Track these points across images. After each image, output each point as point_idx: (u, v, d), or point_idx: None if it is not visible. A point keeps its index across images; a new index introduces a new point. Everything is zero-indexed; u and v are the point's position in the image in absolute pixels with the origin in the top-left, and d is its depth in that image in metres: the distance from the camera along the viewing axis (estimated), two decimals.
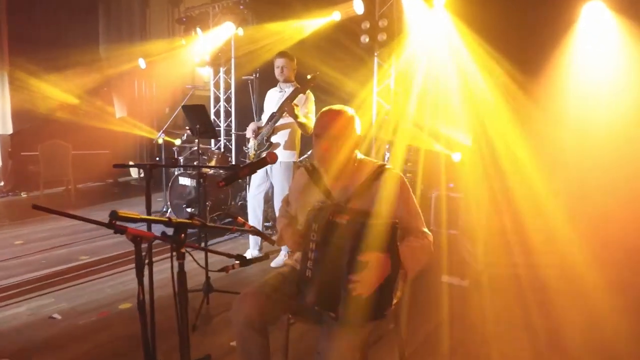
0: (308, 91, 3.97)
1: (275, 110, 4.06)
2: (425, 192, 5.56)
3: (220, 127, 7.86)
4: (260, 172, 4.26)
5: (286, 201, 2.33)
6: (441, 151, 5.80)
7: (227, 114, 7.89)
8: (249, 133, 4.25)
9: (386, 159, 6.50)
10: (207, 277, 3.32)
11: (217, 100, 7.92)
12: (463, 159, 5.25)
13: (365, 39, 5.85)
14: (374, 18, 5.85)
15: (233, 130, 7.80)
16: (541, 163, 4.80)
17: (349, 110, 2.06)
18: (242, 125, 7.41)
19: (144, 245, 1.70)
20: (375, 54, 6.20)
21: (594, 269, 3.78)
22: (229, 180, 1.76)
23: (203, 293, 3.34)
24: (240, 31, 7.19)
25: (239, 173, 1.77)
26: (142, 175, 9.66)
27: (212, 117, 7.95)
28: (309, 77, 3.83)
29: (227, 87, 7.81)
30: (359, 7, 5.85)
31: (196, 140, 4.34)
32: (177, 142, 6.35)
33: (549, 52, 4.98)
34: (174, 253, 1.52)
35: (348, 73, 6.33)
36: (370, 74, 6.37)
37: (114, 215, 1.42)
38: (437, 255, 4.14)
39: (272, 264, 4.24)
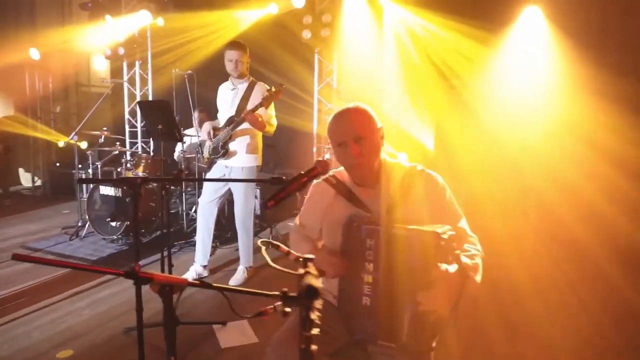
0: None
1: (233, 115, 3.59)
2: None
3: (136, 127, 7.02)
4: (216, 177, 3.77)
5: (301, 225, 1.95)
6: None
7: None
8: (203, 134, 3.72)
9: (326, 158, 6.26)
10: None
11: (132, 97, 7.05)
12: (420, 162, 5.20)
13: (307, 34, 5.55)
14: (314, 12, 5.57)
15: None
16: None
17: (362, 104, 1.78)
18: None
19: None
20: (316, 50, 5.93)
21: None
22: (278, 198, 1.35)
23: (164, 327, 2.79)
24: (160, 21, 6.46)
25: (289, 188, 1.37)
26: (37, 183, 8.34)
27: (127, 116, 7.09)
28: (272, 89, 3.39)
29: (144, 83, 7.00)
30: (298, 1, 5.53)
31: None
32: (83, 145, 5.37)
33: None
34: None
35: (286, 70, 5.98)
36: (308, 72, 6.09)
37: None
38: None
39: (231, 282, 3.76)
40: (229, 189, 3.77)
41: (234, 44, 3.57)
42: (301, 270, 1.13)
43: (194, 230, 4.32)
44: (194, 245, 4.03)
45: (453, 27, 5.04)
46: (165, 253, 2.75)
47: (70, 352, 2.68)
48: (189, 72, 4.94)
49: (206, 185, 3.86)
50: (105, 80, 7.11)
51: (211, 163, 3.77)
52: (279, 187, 1.37)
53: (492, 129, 4.88)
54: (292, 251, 1.42)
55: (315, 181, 1.93)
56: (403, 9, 5.34)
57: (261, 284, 3.79)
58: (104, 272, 1.11)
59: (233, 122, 3.54)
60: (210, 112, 5.14)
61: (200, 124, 5.71)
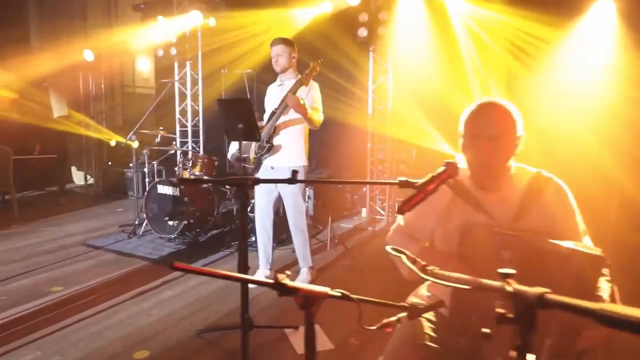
0: (312, 81, 3.44)
1: (276, 107, 3.50)
2: None
3: (187, 127, 7.08)
4: (263, 187, 3.66)
5: (407, 225, 1.83)
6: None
7: (194, 113, 7.13)
8: None
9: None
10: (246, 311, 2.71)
11: (182, 97, 7.10)
12: None
13: (363, 32, 5.43)
14: (371, 10, 5.43)
15: (201, 132, 7.07)
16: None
17: (510, 104, 1.64)
18: (211, 126, 6.71)
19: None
20: (371, 48, 5.81)
21: None
22: (413, 203, 1.23)
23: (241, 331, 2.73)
24: (212, 21, 6.47)
25: (423, 192, 1.25)
26: (89, 181, 8.55)
27: (177, 116, 7.15)
28: (311, 65, 3.31)
29: (194, 83, 7.04)
30: None
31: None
32: (135, 144, 5.41)
33: None
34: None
35: (339, 68, 5.88)
36: (362, 70, 5.97)
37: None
38: None
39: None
40: (278, 192, 3.66)
41: (275, 40, 3.50)
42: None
43: (252, 230, 4.28)
44: (253, 245, 3.97)
45: (521, 15, 4.85)
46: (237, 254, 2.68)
47: (146, 353, 2.65)
48: (249, 71, 4.90)
49: (258, 188, 3.75)
50: (161, 81, 7.14)
51: (258, 163, 3.64)
52: (412, 192, 1.25)
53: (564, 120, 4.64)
54: (418, 259, 1.30)
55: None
56: (466, 3, 5.15)
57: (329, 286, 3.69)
58: (254, 283, 1.02)
59: (274, 113, 3.44)
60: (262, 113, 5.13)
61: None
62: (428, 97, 5.36)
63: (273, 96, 3.65)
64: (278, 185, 3.61)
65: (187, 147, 7.07)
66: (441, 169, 1.31)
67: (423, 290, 1.79)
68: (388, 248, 1.23)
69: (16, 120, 7.10)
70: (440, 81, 5.21)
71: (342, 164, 6.49)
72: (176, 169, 5.28)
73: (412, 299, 1.80)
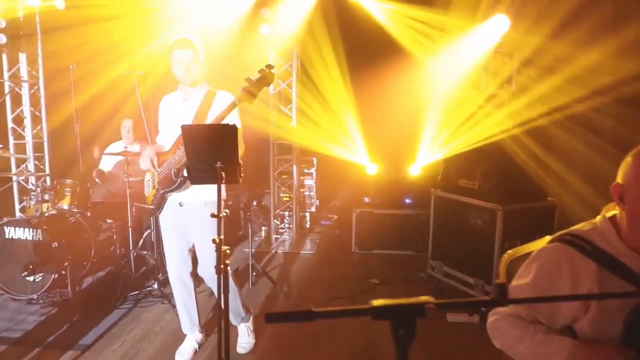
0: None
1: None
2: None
3: (24, 139, 5.44)
4: (169, 222, 2.73)
5: (531, 308, 1.34)
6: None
7: (35, 121, 5.51)
8: (145, 163, 2.64)
9: None
10: None
11: (16, 100, 5.42)
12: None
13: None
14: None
15: (46, 145, 5.49)
16: None
17: None
18: (62, 139, 5.22)
19: None
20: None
21: None
22: None
23: None
24: (61, 2, 5.01)
25: None
26: None
27: (10, 124, 5.44)
28: (266, 69, 2.27)
29: (34, 82, 5.43)
30: None
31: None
32: None
33: None
34: None
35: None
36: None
37: None
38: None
39: (240, 349, 2.89)
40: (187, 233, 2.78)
41: (180, 41, 2.56)
42: None
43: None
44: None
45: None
46: None
47: None
48: (140, 72, 3.76)
49: (166, 231, 2.78)
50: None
51: (160, 200, 2.69)
52: None
53: None
54: None
55: (548, 243, 1.35)
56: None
57: (288, 342, 2.99)
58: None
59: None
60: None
61: (136, 136, 4.55)
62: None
63: (175, 113, 2.69)
64: (189, 222, 2.70)
65: (27, 167, 5.44)
66: None
67: None
68: None
69: None
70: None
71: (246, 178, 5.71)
72: (30, 202, 3.89)
73: None
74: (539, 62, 4.69)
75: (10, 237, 3.56)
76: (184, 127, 1.89)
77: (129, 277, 3.80)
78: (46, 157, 5.58)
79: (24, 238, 3.55)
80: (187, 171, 1.91)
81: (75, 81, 5.12)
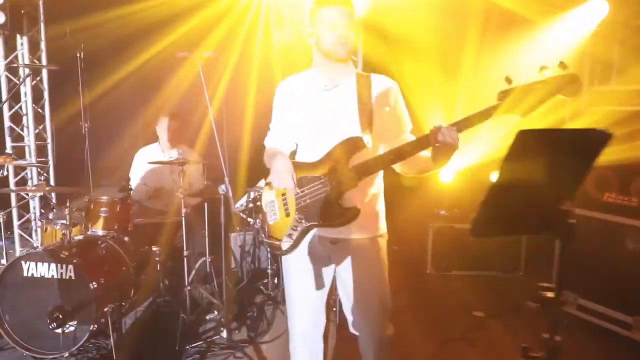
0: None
1: (355, 135, 1.75)
2: None
3: (28, 141, 4.50)
4: (305, 267, 1.86)
5: None
6: None
7: (38, 119, 4.58)
8: (283, 180, 1.70)
9: None
10: None
11: (14, 96, 4.45)
12: None
13: None
14: None
15: (50, 149, 4.55)
16: None
17: None
18: (65, 140, 4.25)
19: None
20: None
21: None
22: None
23: None
24: None
25: None
26: None
27: (8, 123, 4.49)
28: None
29: (36, 73, 4.50)
30: None
31: None
32: None
33: None
34: None
35: None
36: None
37: None
38: None
39: None
40: (334, 281, 1.94)
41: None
42: None
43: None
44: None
45: None
46: None
47: None
48: (208, 53, 2.86)
49: (298, 289, 1.93)
50: None
51: (302, 234, 1.78)
52: None
53: None
54: None
55: None
56: None
57: None
58: None
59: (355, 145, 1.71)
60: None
61: (174, 138, 3.66)
62: None
63: (317, 108, 1.82)
64: (342, 264, 1.86)
65: (28, 174, 4.51)
66: None
67: None
68: None
69: None
70: None
71: None
72: (50, 224, 3.00)
73: None
74: None
75: (29, 274, 2.67)
76: (521, 133, 0.98)
77: (184, 321, 2.94)
78: (50, 164, 4.65)
79: (49, 276, 2.66)
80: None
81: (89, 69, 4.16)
